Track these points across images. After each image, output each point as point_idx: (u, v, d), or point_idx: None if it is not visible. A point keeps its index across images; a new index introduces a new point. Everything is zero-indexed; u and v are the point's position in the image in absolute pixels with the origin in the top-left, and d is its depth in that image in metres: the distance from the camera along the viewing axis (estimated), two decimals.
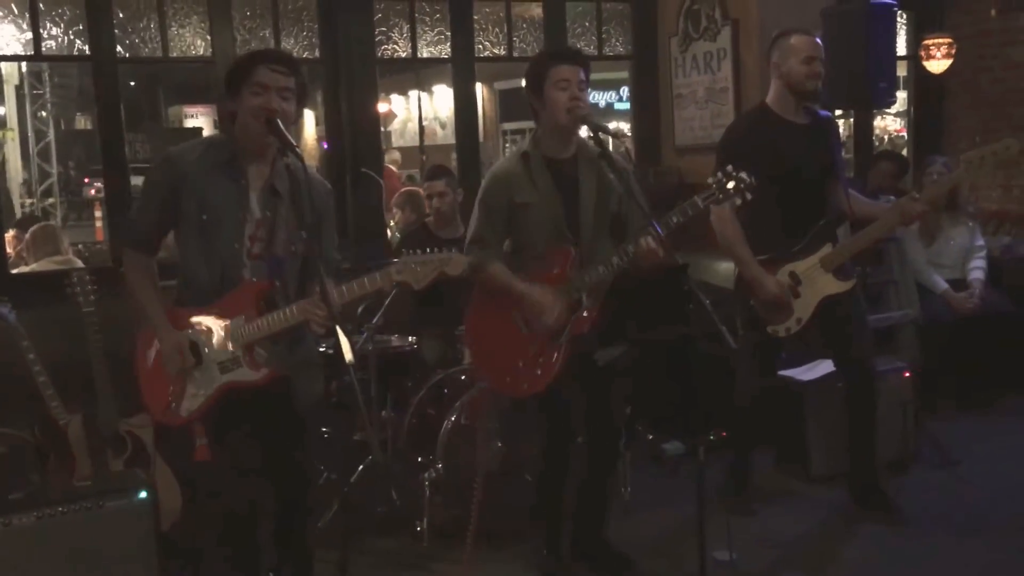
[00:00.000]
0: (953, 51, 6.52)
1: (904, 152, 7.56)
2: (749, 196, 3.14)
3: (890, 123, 12.19)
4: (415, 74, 15.37)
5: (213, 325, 2.89)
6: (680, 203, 3.21)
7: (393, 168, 11.10)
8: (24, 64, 10.93)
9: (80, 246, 7.21)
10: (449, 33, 5.83)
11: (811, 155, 3.84)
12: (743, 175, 3.13)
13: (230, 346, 2.87)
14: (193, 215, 2.87)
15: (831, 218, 3.92)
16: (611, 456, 3.62)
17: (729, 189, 3.14)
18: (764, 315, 3.88)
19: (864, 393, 3.99)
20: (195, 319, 2.91)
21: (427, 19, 5.85)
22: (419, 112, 16.43)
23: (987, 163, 3.71)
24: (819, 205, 3.90)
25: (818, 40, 3.87)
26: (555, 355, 3.31)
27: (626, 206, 3.44)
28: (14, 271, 5.04)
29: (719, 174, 3.16)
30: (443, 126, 16.27)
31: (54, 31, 4.98)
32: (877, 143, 8.74)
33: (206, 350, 2.90)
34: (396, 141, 16.75)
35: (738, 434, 4.10)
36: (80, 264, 4.97)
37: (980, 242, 5.50)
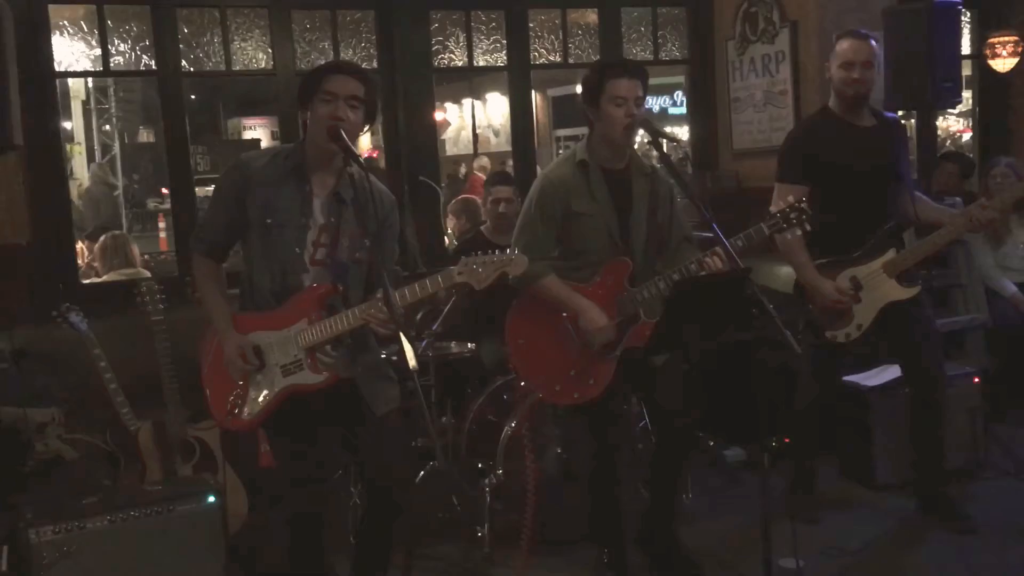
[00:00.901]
0: (1019, 49, 6.37)
1: (969, 153, 7.39)
2: (809, 228, 3.16)
3: (953, 123, 11.94)
4: (468, 82, 15.48)
5: (276, 329, 2.92)
6: (746, 220, 3.20)
7: (481, 175, 11.11)
8: (90, 79, 11.22)
9: (146, 256, 7.37)
10: (505, 41, 5.86)
11: (871, 157, 3.78)
12: (804, 205, 3.13)
13: (293, 350, 2.90)
14: (258, 220, 2.91)
15: (895, 222, 3.86)
16: (680, 451, 3.58)
17: (792, 218, 3.14)
18: (823, 321, 3.82)
19: (931, 400, 3.90)
20: (258, 323, 2.94)
21: (483, 28, 5.89)
22: (472, 120, 16.54)
23: None
24: (883, 209, 3.84)
25: (871, 43, 3.80)
26: (609, 366, 3.30)
27: (669, 216, 3.46)
28: (85, 281, 5.17)
29: (782, 204, 3.15)
30: (496, 134, 16.33)
31: (122, 47, 5.11)
32: (941, 144, 8.56)
33: (269, 354, 2.92)
34: (450, 149, 16.84)
35: (800, 441, 4.05)
36: (147, 274, 5.08)
37: None
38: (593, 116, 3.37)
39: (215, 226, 3.04)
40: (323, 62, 5.38)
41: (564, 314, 3.34)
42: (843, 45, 3.81)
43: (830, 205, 3.69)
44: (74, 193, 10.81)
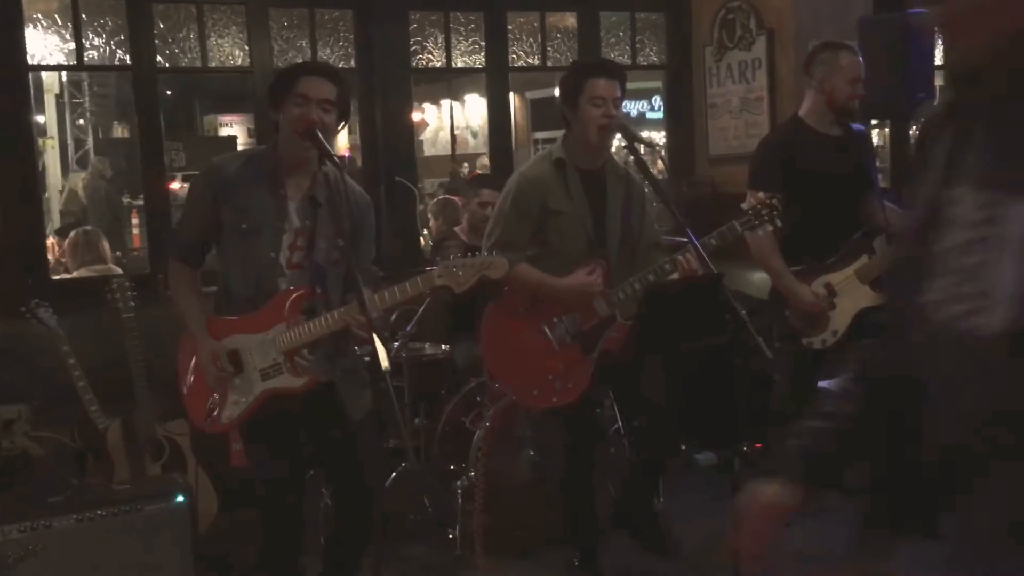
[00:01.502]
0: None
1: None
2: (780, 223, 3.21)
3: None
4: (447, 83, 15.45)
5: (254, 332, 2.89)
6: (720, 226, 3.24)
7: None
8: (64, 73, 11.10)
9: (118, 252, 7.30)
10: (483, 43, 5.86)
11: (844, 166, 3.83)
12: (775, 201, 3.14)
13: (272, 353, 2.87)
14: (233, 225, 2.89)
15: (867, 229, 3.90)
16: (664, 439, 3.62)
17: (764, 215, 3.18)
18: (799, 327, 3.85)
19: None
20: (235, 327, 2.92)
21: (462, 29, 5.88)
22: (451, 121, 16.51)
23: None
24: (854, 217, 3.89)
25: (859, 56, 3.86)
26: (586, 369, 3.31)
27: (640, 219, 3.49)
28: (55, 277, 5.12)
29: (753, 201, 3.19)
30: (475, 135, 16.31)
31: (96, 41, 5.06)
32: None
33: (247, 358, 2.90)
34: (428, 150, 16.80)
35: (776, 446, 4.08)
36: (119, 271, 5.03)
37: None
38: (571, 116, 3.37)
39: (190, 232, 3.02)
40: (299, 60, 5.41)
41: (539, 318, 3.34)
42: (850, 61, 3.86)
43: (803, 214, 3.73)
44: (77, 185, 10.78)
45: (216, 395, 2.93)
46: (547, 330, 3.34)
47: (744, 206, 3.25)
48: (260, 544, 3.09)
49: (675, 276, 3.26)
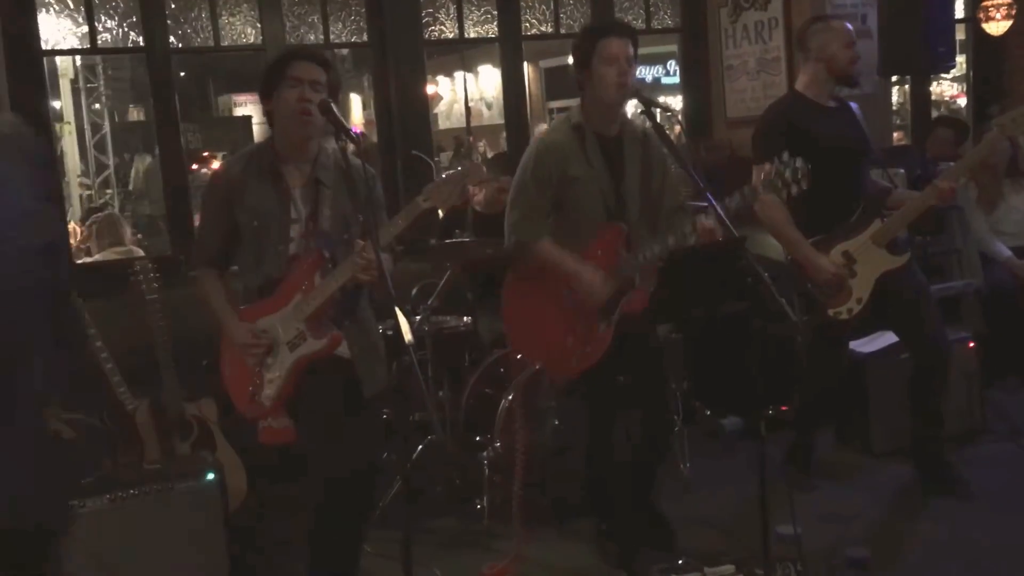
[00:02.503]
0: (1013, 12, 6.33)
1: (963, 118, 7.37)
2: (805, 185, 3.11)
3: (947, 88, 11.88)
4: (460, 55, 15.37)
5: (276, 311, 2.96)
6: (740, 188, 3.18)
7: None
8: (79, 58, 11.12)
9: (139, 235, 7.34)
10: (496, 12, 5.81)
11: (845, 136, 3.82)
12: (799, 162, 3.10)
13: (294, 324, 2.94)
14: (247, 224, 2.98)
15: (876, 192, 3.88)
16: (665, 432, 3.60)
17: (787, 177, 3.11)
18: (823, 298, 3.81)
19: (934, 369, 3.89)
20: (259, 312, 2.99)
21: None
22: (465, 93, 16.43)
23: (1019, 124, 3.62)
24: (860, 185, 3.87)
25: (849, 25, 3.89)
26: (605, 334, 3.29)
27: (662, 183, 3.44)
28: (79, 261, 5.15)
29: (777, 161, 3.13)
30: (489, 107, 16.23)
31: (109, 24, 5.06)
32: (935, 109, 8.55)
33: (275, 335, 2.96)
34: (443, 123, 16.75)
35: (805, 415, 4.08)
36: (141, 253, 5.06)
37: None
38: (584, 81, 3.34)
39: (211, 238, 3.09)
40: (311, 37, 5.39)
41: (558, 285, 3.33)
42: (839, 25, 3.86)
43: (816, 185, 3.69)
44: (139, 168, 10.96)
45: (255, 381, 2.99)
46: (566, 293, 3.31)
47: (768, 166, 3.19)
48: (309, 522, 3.02)
49: (708, 225, 3.19)
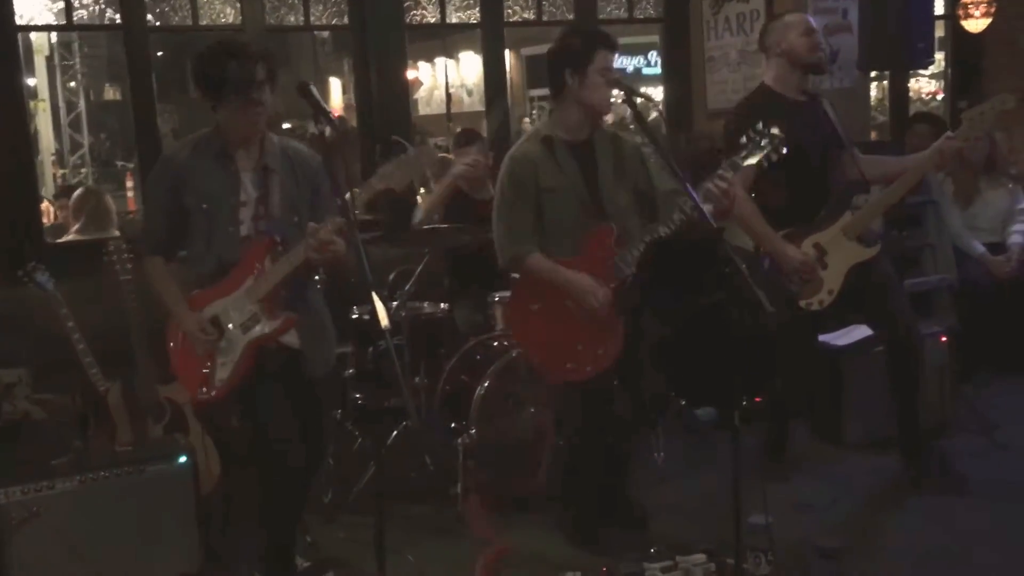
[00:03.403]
0: (992, 10, 6.37)
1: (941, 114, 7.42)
2: (785, 150, 3.17)
3: (925, 84, 11.98)
4: (441, 41, 15.32)
5: (228, 294, 3.01)
6: (717, 168, 3.20)
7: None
8: (54, 35, 10.98)
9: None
10: None
11: (815, 129, 3.83)
12: (774, 130, 3.14)
13: (247, 306, 2.98)
14: (195, 208, 3.01)
15: (848, 185, 3.89)
16: (639, 418, 3.66)
17: (763, 145, 3.14)
18: (795, 290, 3.83)
19: (909, 351, 3.91)
20: (211, 296, 3.04)
21: None
22: (446, 79, 16.38)
23: (987, 118, 3.66)
24: (831, 178, 3.88)
25: (807, 15, 3.89)
26: (617, 334, 3.32)
27: (645, 175, 3.46)
28: (58, 240, 5.10)
29: (751, 132, 3.16)
30: (470, 93, 16.20)
31: (85, 0, 4.99)
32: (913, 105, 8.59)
33: (226, 319, 3.01)
34: (423, 109, 16.70)
35: (779, 406, 4.10)
36: (116, 233, 5.00)
37: (1022, 205, 5.40)
38: (573, 83, 3.34)
39: (158, 225, 3.12)
40: (291, 19, 5.33)
41: (559, 296, 3.34)
42: (793, 17, 3.92)
43: (781, 180, 3.74)
44: None
45: (207, 365, 3.03)
46: (570, 302, 3.34)
47: (742, 140, 3.22)
48: (262, 504, 3.13)
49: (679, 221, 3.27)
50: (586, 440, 3.54)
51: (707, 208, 3.07)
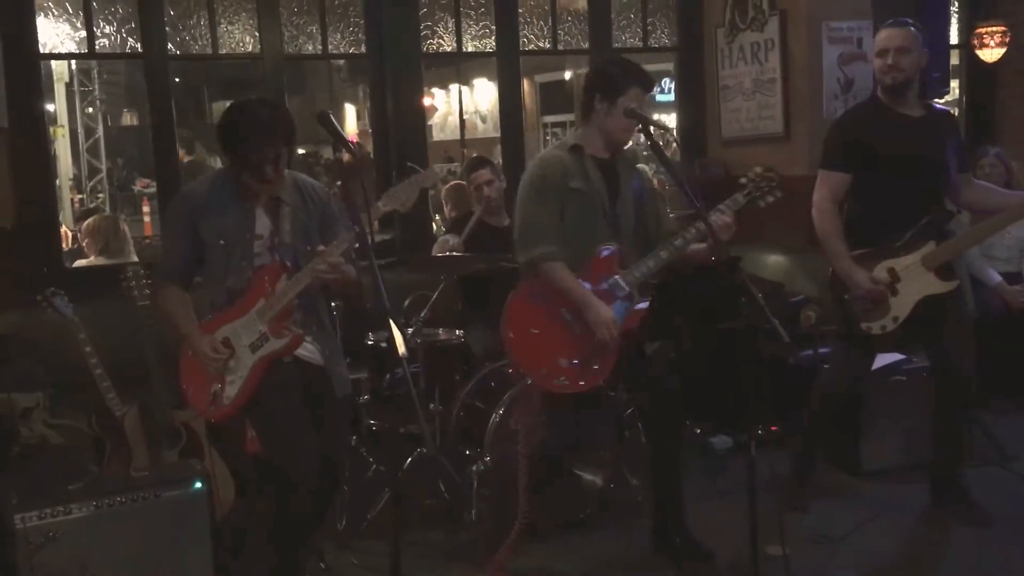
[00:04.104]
0: (1007, 39, 6.38)
1: None
2: (780, 194, 3.27)
3: None
4: (456, 68, 15.43)
5: (239, 317, 3.09)
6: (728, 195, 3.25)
7: None
8: (74, 61, 11.11)
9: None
10: (494, 27, 5.83)
11: (916, 147, 3.72)
12: (771, 173, 3.25)
13: (257, 327, 3.06)
14: (212, 242, 3.09)
15: (938, 214, 3.80)
16: (675, 442, 3.58)
17: (763, 187, 3.22)
18: (858, 312, 3.78)
19: (959, 398, 3.87)
20: (222, 320, 3.11)
21: (472, 13, 5.86)
22: (460, 106, 16.48)
23: None
24: (928, 200, 3.77)
25: (909, 29, 3.76)
26: (612, 351, 3.31)
27: (655, 209, 3.56)
28: (75, 265, 5.14)
29: (752, 174, 3.27)
30: (484, 120, 16.28)
31: (107, 29, 5.06)
32: None
33: (237, 340, 3.08)
34: (437, 135, 16.79)
35: (813, 431, 4.06)
36: (135, 259, 5.04)
37: None
38: (602, 110, 3.38)
39: (176, 256, 3.19)
40: (309, 47, 5.40)
41: (563, 304, 3.33)
42: (880, 34, 3.83)
43: (872, 193, 3.72)
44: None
45: (217, 384, 3.10)
46: (569, 316, 3.33)
47: (743, 180, 3.30)
48: (274, 526, 3.14)
49: (699, 246, 3.33)
50: (547, 451, 3.57)
51: (704, 244, 3.20)
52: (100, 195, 12.03)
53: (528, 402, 3.81)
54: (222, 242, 3.08)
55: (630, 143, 3.63)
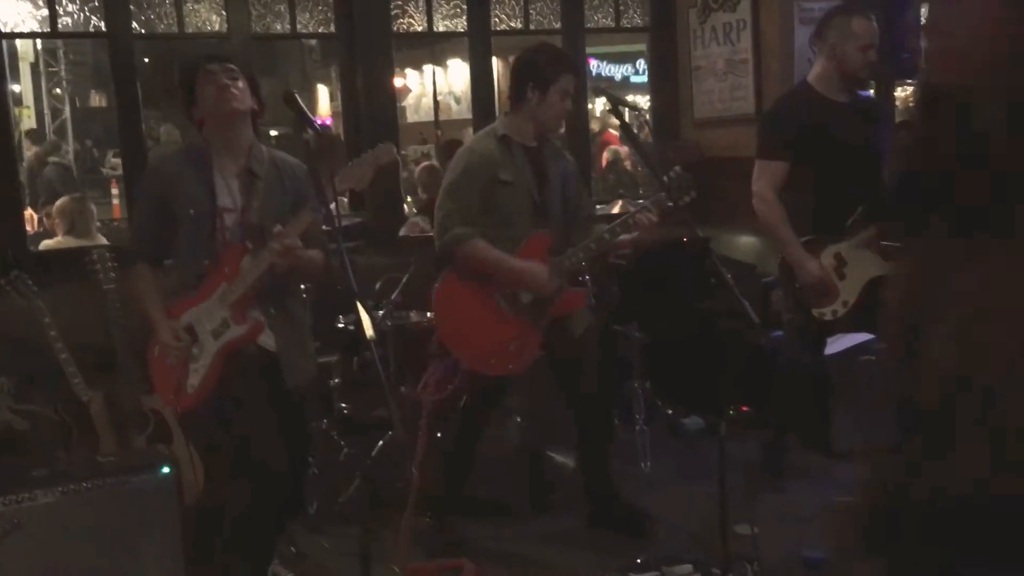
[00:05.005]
0: None
1: None
2: (694, 194, 3.32)
3: (911, 95, 12.04)
4: (429, 49, 15.31)
5: (203, 302, 3.02)
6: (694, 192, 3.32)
7: (613, 132, 10.15)
8: (39, 42, 10.93)
9: (99, 223, 7.23)
10: (465, 6, 5.78)
11: (852, 133, 3.76)
12: (682, 172, 3.31)
13: (219, 312, 3.00)
14: (183, 214, 3.03)
15: (878, 198, 3.80)
16: (605, 422, 3.73)
17: (682, 187, 3.31)
18: (809, 299, 3.81)
19: None
20: (187, 304, 3.05)
21: None
22: (433, 87, 16.37)
23: None
24: (864, 186, 3.79)
25: (874, 22, 3.79)
26: (536, 337, 3.41)
27: (577, 192, 3.64)
28: (40, 247, 5.06)
29: (672, 172, 3.32)
30: (458, 101, 16.19)
31: (70, 7, 4.96)
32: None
33: (199, 326, 3.02)
34: (411, 117, 16.68)
35: (778, 415, 4.09)
36: (104, 241, 4.97)
37: None
38: (534, 98, 3.44)
39: (146, 230, 3.13)
40: (278, 26, 5.33)
41: (493, 288, 3.39)
42: (862, 26, 3.78)
43: (811, 182, 3.73)
44: None
45: (180, 371, 3.04)
46: (501, 300, 3.37)
47: (665, 179, 3.32)
48: (244, 513, 3.11)
49: (626, 237, 3.39)
50: (468, 438, 3.64)
51: (631, 236, 3.30)
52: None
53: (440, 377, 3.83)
54: (191, 211, 3.00)
55: (598, 122, 3.66)
